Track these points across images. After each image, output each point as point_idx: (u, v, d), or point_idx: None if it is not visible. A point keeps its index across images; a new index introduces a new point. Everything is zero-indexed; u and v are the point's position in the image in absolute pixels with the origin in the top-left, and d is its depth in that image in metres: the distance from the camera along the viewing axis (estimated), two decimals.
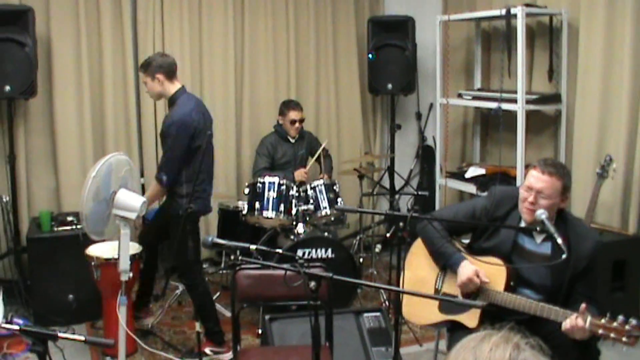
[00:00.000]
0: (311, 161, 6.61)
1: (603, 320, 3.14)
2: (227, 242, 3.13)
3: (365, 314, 4.59)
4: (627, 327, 3.08)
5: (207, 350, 5.16)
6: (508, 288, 3.64)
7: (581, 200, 5.72)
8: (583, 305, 3.21)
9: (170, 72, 4.98)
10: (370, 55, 7.41)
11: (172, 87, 5.00)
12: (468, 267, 3.70)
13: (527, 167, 3.80)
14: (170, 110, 5.04)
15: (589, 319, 3.16)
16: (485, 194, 4.36)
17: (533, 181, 3.56)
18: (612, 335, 3.11)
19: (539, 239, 3.69)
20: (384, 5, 7.97)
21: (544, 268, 3.63)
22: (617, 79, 5.64)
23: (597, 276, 3.94)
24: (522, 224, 3.72)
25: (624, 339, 3.08)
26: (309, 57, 7.53)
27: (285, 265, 2.90)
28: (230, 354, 5.09)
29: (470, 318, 3.70)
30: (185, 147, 4.85)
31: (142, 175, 6.66)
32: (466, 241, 4.00)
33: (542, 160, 3.63)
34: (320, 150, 6.56)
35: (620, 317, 3.11)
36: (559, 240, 3.42)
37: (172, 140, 4.84)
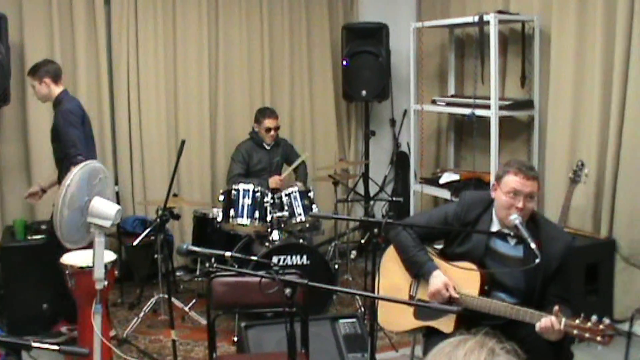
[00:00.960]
0: (288, 171, 6.61)
1: (577, 321, 3.19)
2: (202, 250, 3.13)
3: (341, 320, 4.59)
4: (601, 326, 3.13)
5: (63, 329, 5.41)
6: (483, 292, 3.66)
7: (554, 205, 5.77)
8: (556, 307, 3.24)
9: (56, 76, 5.38)
10: (344, 62, 7.43)
11: (57, 90, 5.38)
12: (438, 279, 3.70)
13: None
14: (57, 108, 5.34)
15: (563, 319, 3.21)
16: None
17: (519, 186, 3.56)
18: (587, 335, 3.16)
19: (512, 241, 3.72)
20: (357, 12, 7.99)
21: (516, 272, 3.66)
22: (588, 85, 5.70)
23: (571, 277, 3.98)
24: (494, 227, 3.75)
25: (598, 338, 3.14)
26: (284, 64, 7.55)
27: (260, 272, 2.89)
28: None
29: (446, 323, 3.71)
30: (82, 132, 5.27)
31: (116, 183, 6.64)
32: (439, 247, 4.02)
33: (519, 165, 3.64)
34: (299, 161, 6.58)
35: (594, 317, 3.16)
36: (533, 245, 3.44)
37: (73, 126, 5.20)
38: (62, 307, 5.41)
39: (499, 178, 3.68)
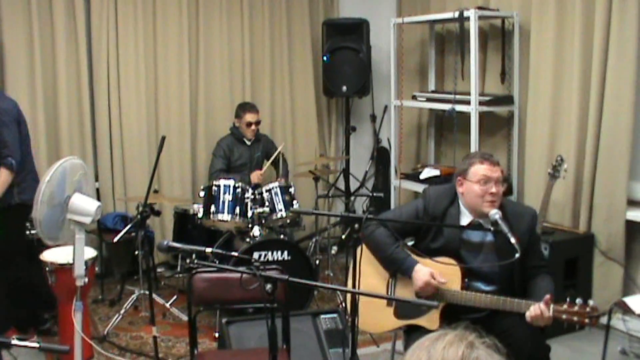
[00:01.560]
0: (267, 164, 6.61)
1: (565, 306, 3.28)
2: (183, 246, 3.12)
3: (322, 316, 4.58)
4: (587, 309, 3.24)
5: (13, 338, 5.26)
6: (463, 285, 3.68)
7: (534, 200, 5.80)
8: (547, 296, 3.32)
9: None
10: (325, 58, 7.44)
11: None
12: (422, 271, 3.70)
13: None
14: None
15: (552, 306, 3.29)
16: None
17: (489, 172, 3.65)
18: (575, 318, 3.26)
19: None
20: (338, 8, 8.00)
21: (492, 258, 3.73)
22: (567, 80, 5.73)
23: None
24: (465, 219, 3.80)
25: (586, 320, 3.24)
26: (264, 60, 7.53)
27: (241, 268, 2.89)
28: (35, 338, 5.20)
29: (430, 320, 3.71)
30: (18, 132, 5.05)
31: (96, 179, 6.61)
32: (410, 243, 4.02)
33: (481, 154, 3.79)
34: (277, 153, 6.57)
35: (579, 300, 3.26)
36: (513, 240, 3.47)
37: (6, 127, 4.98)
38: (15, 313, 5.32)
39: (464, 171, 3.76)
